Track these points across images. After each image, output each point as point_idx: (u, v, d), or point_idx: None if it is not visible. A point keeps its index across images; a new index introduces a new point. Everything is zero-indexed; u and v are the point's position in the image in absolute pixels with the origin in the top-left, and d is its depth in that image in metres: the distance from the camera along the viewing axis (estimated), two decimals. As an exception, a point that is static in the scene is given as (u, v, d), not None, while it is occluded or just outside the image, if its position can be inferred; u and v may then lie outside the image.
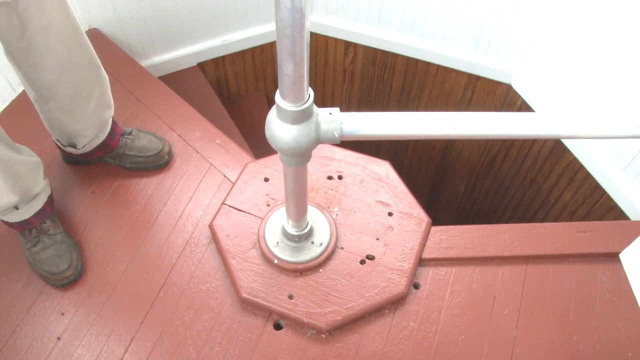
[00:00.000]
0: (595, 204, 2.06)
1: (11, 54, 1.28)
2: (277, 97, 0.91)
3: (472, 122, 0.95)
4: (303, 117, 0.91)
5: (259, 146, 2.14)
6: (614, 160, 1.90)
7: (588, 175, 2.04)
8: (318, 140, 0.95)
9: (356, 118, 0.94)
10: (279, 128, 0.93)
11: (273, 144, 0.96)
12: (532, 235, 1.52)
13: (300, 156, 0.99)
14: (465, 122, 0.95)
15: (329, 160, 1.61)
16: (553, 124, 0.98)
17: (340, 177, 1.57)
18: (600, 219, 2.05)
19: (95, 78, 1.43)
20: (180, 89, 2.01)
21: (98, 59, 1.42)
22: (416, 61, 2.30)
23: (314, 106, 0.94)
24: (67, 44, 1.30)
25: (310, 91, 0.91)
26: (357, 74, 2.50)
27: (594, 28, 1.78)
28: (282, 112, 0.91)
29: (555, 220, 2.29)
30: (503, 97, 2.30)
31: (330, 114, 0.94)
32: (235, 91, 2.55)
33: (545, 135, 0.99)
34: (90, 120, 1.49)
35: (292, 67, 0.82)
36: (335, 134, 0.93)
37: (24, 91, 1.87)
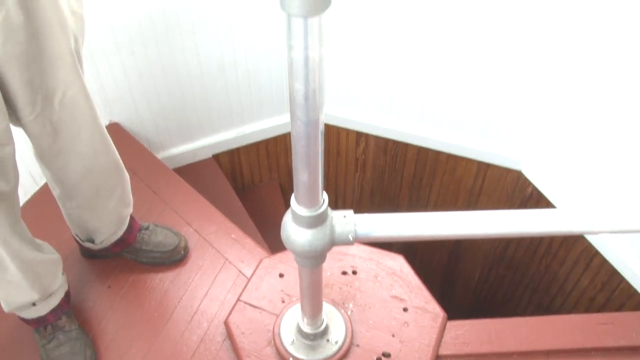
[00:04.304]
0: (615, 290, 2.03)
1: (41, 157, 1.33)
2: (293, 201, 0.93)
3: (485, 222, 0.96)
4: (318, 221, 0.93)
5: (272, 234, 2.16)
6: (630, 246, 1.89)
7: (604, 262, 2.02)
8: (332, 242, 0.96)
9: (369, 220, 0.96)
10: (294, 232, 0.95)
11: (289, 247, 0.98)
12: (551, 328, 1.49)
13: (315, 258, 1.00)
14: (479, 222, 0.96)
15: (343, 255, 1.62)
16: (570, 220, 0.98)
17: (354, 272, 1.58)
18: (621, 306, 2.01)
19: (118, 178, 1.48)
20: (195, 180, 2.06)
21: (121, 161, 1.47)
22: (427, 150, 2.35)
23: (329, 209, 0.96)
24: (94, 148, 1.35)
25: (325, 195, 0.94)
26: (369, 163, 2.54)
27: (604, 113, 1.81)
28: (297, 217, 0.93)
29: (574, 307, 2.25)
30: (514, 184, 2.32)
31: (345, 217, 0.96)
32: (250, 181, 2.60)
33: (563, 232, 0.99)
34: (110, 217, 1.52)
35: (307, 175, 0.85)
36: (349, 236, 0.95)
37: (45, 184, 1.93)
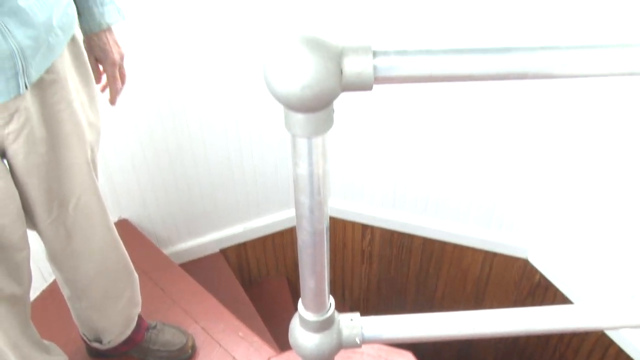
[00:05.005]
0: (636, 381, 1.98)
1: (53, 259, 1.36)
2: (300, 307, 0.94)
3: (495, 322, 0.96)
4: (325, 326, 0.94)
5: (280, 329, 2.14)
6: (644, 336, 1.86)
7: (620, 351, 1.98)
8: (340, 346, 0.96)
9: (376, 323, 0.97)
10: (302, 336, 0.95)
11: (297, 351, 0.98)
12: None
13: (324, 362, 1.00)
14: (489, 322, 0.96)
15: (352, 352, 1.61)
16: (582, 317, 0.97)
17: (363, 370, 1.56)
18: (642, 398, 1.96)
19: (127, 279, 1.50)
20: (203, 275, 2.07)
21: (130, 262, 1.50)
22: (432, 241, 2.36)
23: (336, 312, 0.97)
24: (105, 250, 1.39)
25: (332, 300, 0.95)
26: (375, 255, 2.55)
27: (609, 199, 1.84)
28: (304, 322, 0.94)
29: (593, 400, 2.19)
30: (521, 272, 2.31)
31: (352, 320, 0.97)
32: (257, 275, 2.61)
33: (575, 329, 0.99)
34: (118, 317, 1.54)
35: (314, 283, 0.87)
36: (356, 339, 0.95)
37: (54, 281, 1.94)
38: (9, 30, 0.94)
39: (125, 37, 1.34)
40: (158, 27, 1.79)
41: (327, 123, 0.62)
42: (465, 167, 2.12)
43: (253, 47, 1.92)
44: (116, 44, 1.27)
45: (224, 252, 2.42)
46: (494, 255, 2.31)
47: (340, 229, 2.51)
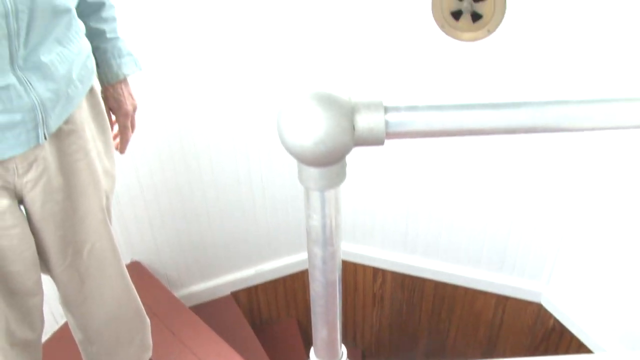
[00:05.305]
0: None
1: (66, 304, 1.38)
2: (312, 355, 0.94)
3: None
4: (337, 375, 0.93)
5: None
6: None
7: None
8: (352, 396, 0.95)
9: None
10: (313, 386, 0.95)
11: (308, 401, 0.97)
12: None
13: (335, 413, 0.99)
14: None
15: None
16: None
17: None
18: None
19: (139, 325, 1.51)
20: (213, 318, 2.06)
21: (142, 307, 1.51)
22: (444, 285, 2.34)
23: (347, 361, 0.97)
24: (117, 296, 1.40)
25: (344, 348, 0.95)
26: (387, 298, 2.53)
27: (623, 240, 1.82)
28: (316, 372, 0.93)
29: None
30: (534, 317, 2.28)
31: (364, 369, 0.96)
32: (267, 317, 2.59)
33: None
34: (128, 363, 1.53)
35: (326, 332, 0.86)
36: (369, 389, 0.95)
37: (65, 323, 1.93)
38: (31, 85, 0.97)
39: (137, 85, 1.37)
40: (169, 78, 1.83)
41: (340, 177, 0.63)
42: (477, 211, 2.11)
43: (264, 89, 1.95)
44: (130, 95, 1.31)
45: (235, 295, 2.41)
46: (507, 299, 2.28)
47: (351, 272, 2.50)
